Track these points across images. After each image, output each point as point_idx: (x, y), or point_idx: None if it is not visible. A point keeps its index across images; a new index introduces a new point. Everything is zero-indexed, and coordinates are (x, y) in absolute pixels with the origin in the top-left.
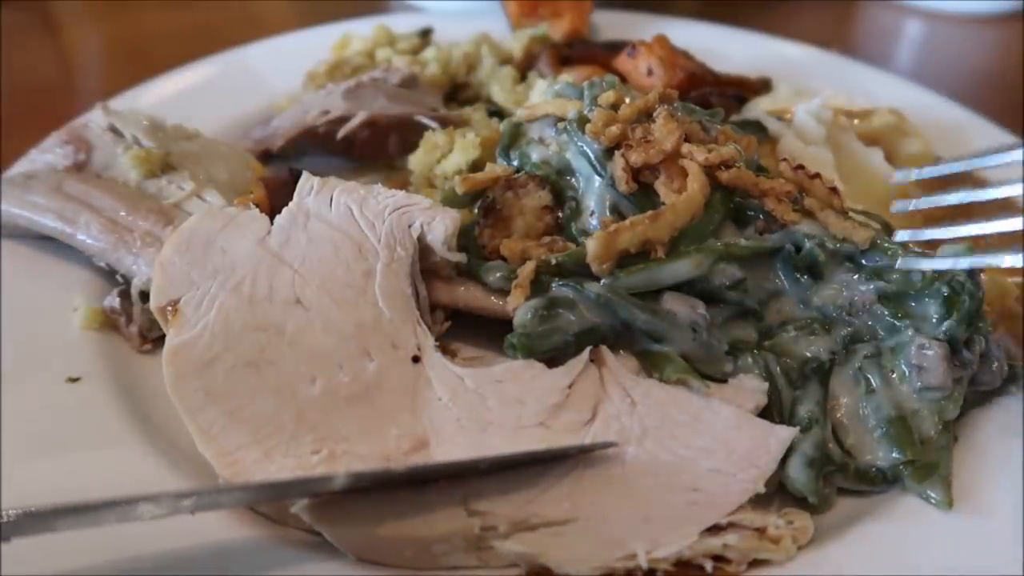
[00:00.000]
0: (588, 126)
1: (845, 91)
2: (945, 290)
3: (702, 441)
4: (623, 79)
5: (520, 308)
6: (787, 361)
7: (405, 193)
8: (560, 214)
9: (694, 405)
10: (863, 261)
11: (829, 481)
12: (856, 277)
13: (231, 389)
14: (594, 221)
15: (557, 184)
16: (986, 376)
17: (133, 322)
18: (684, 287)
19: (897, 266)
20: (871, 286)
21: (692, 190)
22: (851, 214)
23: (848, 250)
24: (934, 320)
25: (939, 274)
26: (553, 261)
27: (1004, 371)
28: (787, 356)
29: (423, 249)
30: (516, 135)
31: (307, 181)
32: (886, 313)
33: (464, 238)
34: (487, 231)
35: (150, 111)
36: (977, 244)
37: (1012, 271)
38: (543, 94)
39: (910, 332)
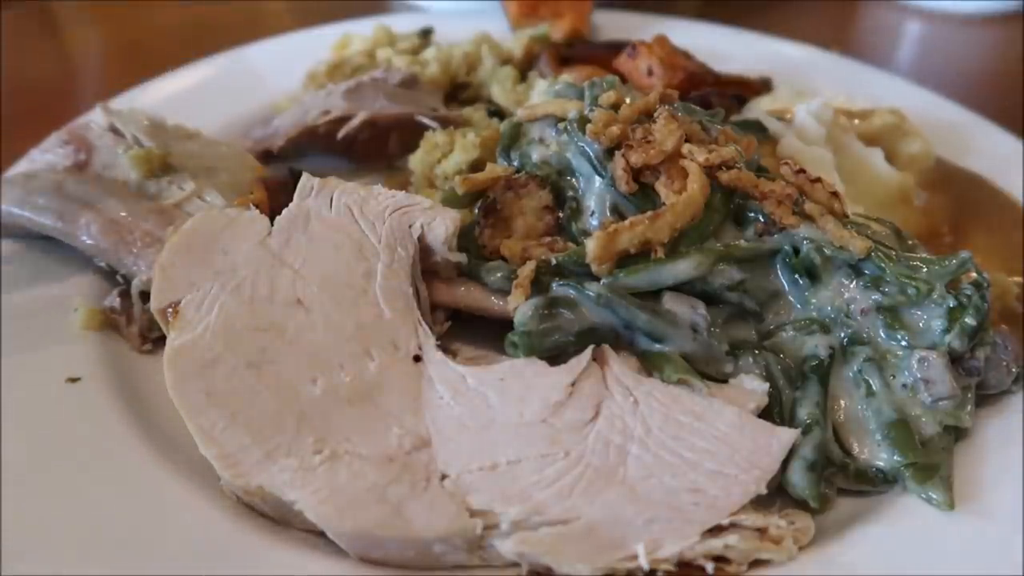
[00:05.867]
0: (588, 126)
1: (845, 91)
2: (951, 302)
3: (704, 442)
4: (623, 79)
5: (521, 307)
6: (786, 360)
7: (405, 193)
8: (560, 214)
9: (696, 406)
10: (863, 269)
11: (829, 481)
12: (854, 283)
13: (232, 390)
14: (594, 221)
15: (557, 184)
16: (995, 379)
17: (133, 322)
18: (684, 287)
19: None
20: (869, 297)
21: (692, 191)
22: (857, 219)
23: (846, 257)
24: (937, 332)
25: (945, 285)
26: (553, 261)
27: (1012, 372)
28: (786, 355)
29: (424, 249)
30: (516, 135)
31: (307, 182)
32: (881, 323)
33: (464, 238)
34: (487, 231)
35: (150, 111)
36: (981, 254)
37: (1012, 269)
38: (543, 94)
39: (904, 344)
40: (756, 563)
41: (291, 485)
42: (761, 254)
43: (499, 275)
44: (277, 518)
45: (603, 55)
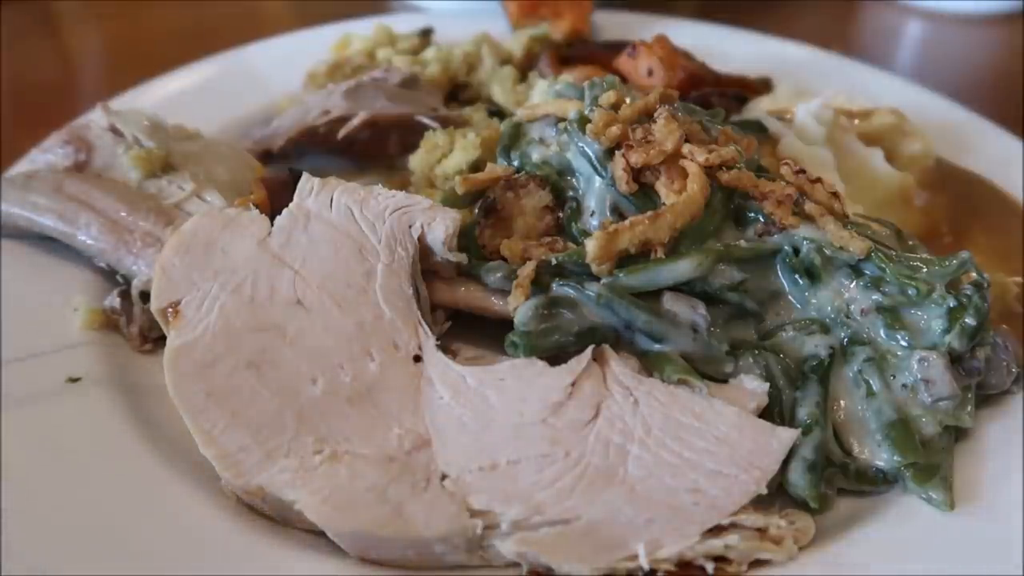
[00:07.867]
0: (589, 126)
1: (845, 91)
2: (951, 303)
3: (704, 442)
4: (623, 79)
5: (521, 307)
6: (787, 360)
7: (405, 193)
8: (560, 214)
9: (696, 406)
10: (863, 269)
11: (829, 481)
12: (854, 284)
13: (232, 390)
14: (594, 221)
15: (557, 184)
16: (995, 379)
17: (133, 322)
18: (684, 287)
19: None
20: (869, 297)
21: (692, 191)
22: (857, 219)
23: (846, 258)
24: (937, 332)
25: (945, 286)
26: (553, 261)
27: (1013, 372)
28: (786, 355)
29: (424, 249)
30: (516, 135)
31: (307, 182)
32: (881, 324)
33: (464, 238)
34: (487, 231)
35: (150, 111)
36: (981, 254)
37: (1012, 269)
38: (543, 94)
39: (904, 344)
40: (756, 563)
41: (291, 485)
42: (761, 254)
43: (499, 275)
44: (277, 518)
45: (603, 55)
